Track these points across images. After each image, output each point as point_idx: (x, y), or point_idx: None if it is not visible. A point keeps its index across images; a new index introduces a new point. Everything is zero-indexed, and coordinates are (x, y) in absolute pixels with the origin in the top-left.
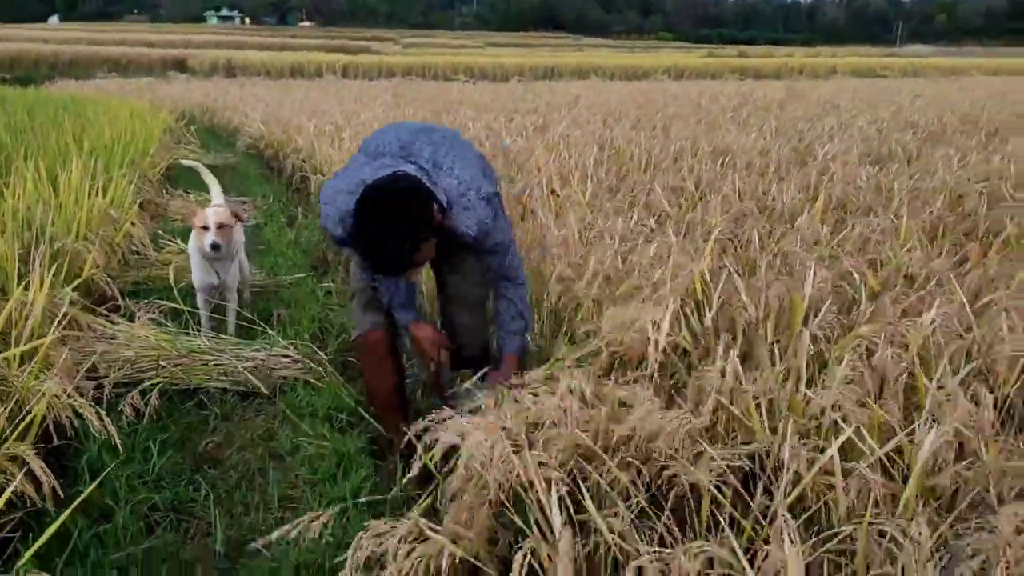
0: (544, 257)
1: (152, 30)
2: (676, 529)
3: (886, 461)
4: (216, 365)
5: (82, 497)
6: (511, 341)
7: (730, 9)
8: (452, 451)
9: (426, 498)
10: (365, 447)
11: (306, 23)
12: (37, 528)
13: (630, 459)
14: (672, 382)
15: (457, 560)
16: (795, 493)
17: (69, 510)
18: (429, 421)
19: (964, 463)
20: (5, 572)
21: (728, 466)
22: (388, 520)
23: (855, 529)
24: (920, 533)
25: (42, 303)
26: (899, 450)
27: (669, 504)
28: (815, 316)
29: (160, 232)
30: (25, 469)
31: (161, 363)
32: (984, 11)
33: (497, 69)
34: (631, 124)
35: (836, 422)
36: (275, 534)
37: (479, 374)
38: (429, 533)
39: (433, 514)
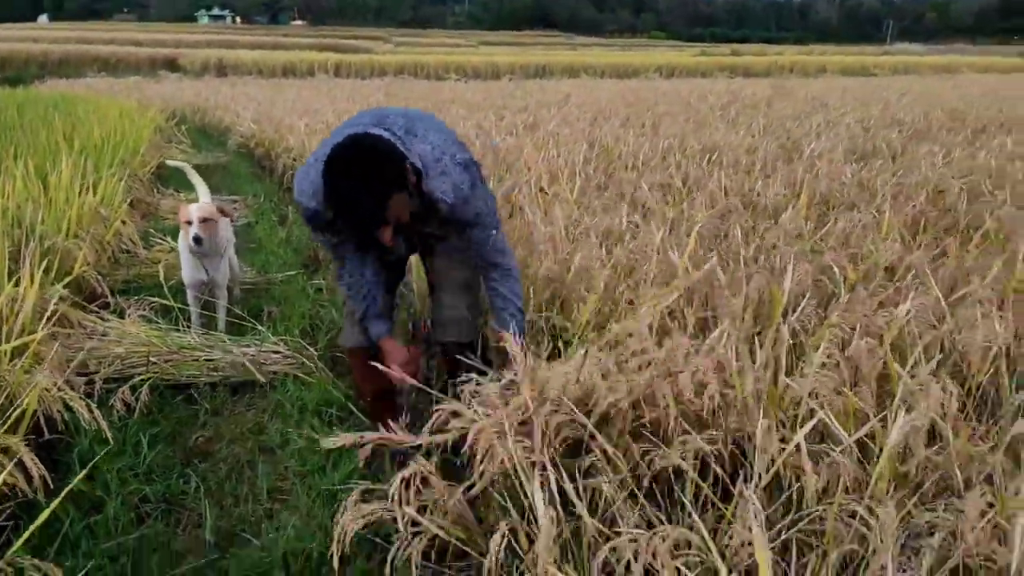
0: (532, 252)
1: (141, 29)
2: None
3: (858, 449)
4: (206, 360)
5: (71, 485)
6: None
7: (721, 8)
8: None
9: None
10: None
11: (298, 22)
12: (28, 519)
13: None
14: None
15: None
16: (769, 476)
17: (59, 498)
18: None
19: (934, 448)
20: None
21: (715, 452)
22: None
23: (824, 510)
24: (887, 513)
25: (32, 300)
26: (872, 436)
27: (657, 488)
28: (794, 310)
29: (151, 230)
30: (16, 460)
31: (151, 359)
32: (976, 10)
33: (489, 68)
34: (620, 122)
35: (812, 410)
36: None
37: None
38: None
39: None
